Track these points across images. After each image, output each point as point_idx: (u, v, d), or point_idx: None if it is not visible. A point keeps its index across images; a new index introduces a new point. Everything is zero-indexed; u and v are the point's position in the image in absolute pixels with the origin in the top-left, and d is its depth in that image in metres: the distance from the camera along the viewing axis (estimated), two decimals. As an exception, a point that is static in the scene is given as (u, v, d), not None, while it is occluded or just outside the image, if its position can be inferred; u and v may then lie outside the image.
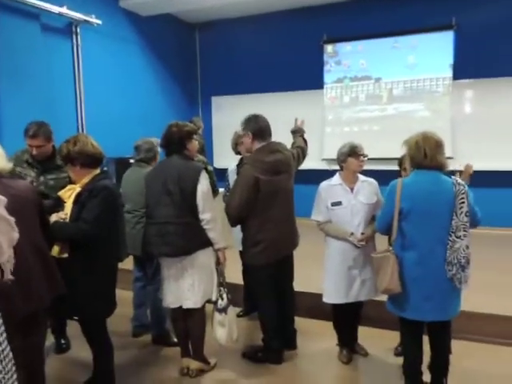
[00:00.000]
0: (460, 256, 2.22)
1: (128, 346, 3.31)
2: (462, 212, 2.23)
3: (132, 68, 6.36)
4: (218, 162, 7.03)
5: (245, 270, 3.60)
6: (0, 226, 1.48)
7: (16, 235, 1.56)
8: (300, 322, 3.34)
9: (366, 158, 2.92)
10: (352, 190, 2.91)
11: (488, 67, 5.94)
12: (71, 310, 2.37)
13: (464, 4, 6.06)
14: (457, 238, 2.23)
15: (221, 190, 3.92)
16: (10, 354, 1.55)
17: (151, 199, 2.80)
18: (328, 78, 6.90)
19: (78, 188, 2.36)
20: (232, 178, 3.49)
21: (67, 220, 2.29)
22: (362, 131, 6.69)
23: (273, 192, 2.84)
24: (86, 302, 2.30)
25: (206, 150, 6.53)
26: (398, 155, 2.98)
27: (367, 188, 2.94)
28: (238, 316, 3.64)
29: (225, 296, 2.84)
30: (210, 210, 2.74)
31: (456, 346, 2.65)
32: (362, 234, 2.86)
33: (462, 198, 2.23)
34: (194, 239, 2.71)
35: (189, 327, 2.89)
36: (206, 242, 2.76)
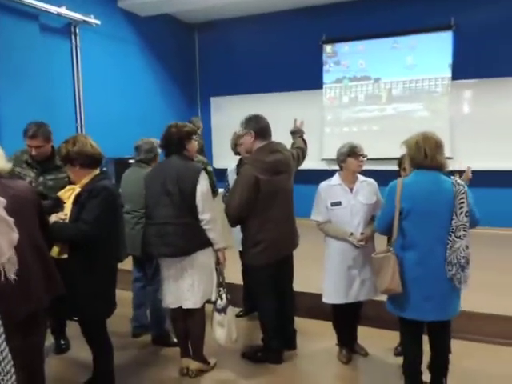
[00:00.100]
0: (460, 256, 2.23)
1: (128, 346, 3.31)
2: (461, 212, 2.23)
3: (131, 68, 6.36)
4: (217, 163, 7.03)
5: (244, 270, 3.60)
6: (-1, 226, 1.48)
7: (16, 236, 1.56)
8: (300, 322, 3.34)
9: (365, 158, 2.92)
10: (351, 190, 2.91)
11: (487, 67, 5.94)
12: (71, 310, 2.37)
13: (463, 4, 6.06)
14: (456, 237, 2.23)
15: (220, 190, 3.91)
16: (9, 355, 1.55)
17: (150, 200, 2.80)
18: (327, 78, 6.90)
19: (77, 188, 2.36)
20: (231, 178, 3.49)
21: (67, 221, 2.29)
22: (361, 131, 6.69)
23: (273, 192, 2.84)
24: (85, 303, 2.30)
25: (205, 150, 6.53)
26: (398, 155, 2.98)
27: (367, 188, 2.94)
28: (238, 316, 3.64)
29: (224, 296, 2.84)
30: (210, 211, 2.74)
31: (456, 345, 2.65)
32: (362, 234, 2.86)
33: (462, 198, 2.24)
34: (194, 240, 2.71)
35: (188, 327, 2.89)
36: (206, 243, 2.76)
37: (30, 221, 1.99)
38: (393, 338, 3.05)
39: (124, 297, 3.20)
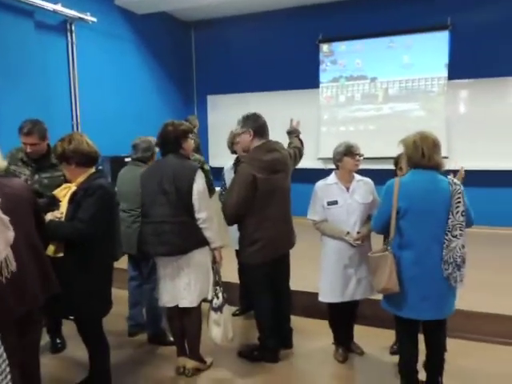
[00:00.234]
0: (456, 255, 2.24)
1: (124, 345, 3.30)
2: (458, 211, 2.24)
3: (127, 66, 6.33)
4: (214, 161, 7.01)
5: (241, 269, 3.60)
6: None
7: (11, 234, 1.55)
8: (296, 321, 3.34)
9: (361, 158, 2.93)
10: (348, 189, 2.92)
11: (483, 67, 5.97)
12: (67, 309, 2.36)
13: (459, 4, 6.08)
14: (453, 237, 2.24)
15: (217, 188, 3.91)
16: (4, 354, 1.54)
17: (147, 198, 2.79)
18: (324, 77, 6.91)
19: (73, 187, 2.35)
20: (228, 176, 3.49)
21: (63, 219, 2.28)
22: (357, 130, 6.71)
23: (270, 191, 2.84)
24: (81, 302, 2.29)
25: (202, 148, 6.52)
26: (394, 154, 2.98)
27: (363, 187, 2.95)
28: (234, 315, 3.64)
29: (220, 295, 2.83)
30: (206, 209, 2.73)
31: (451, 344, 2.66)
32: (358, 233, 2.86)
33: (459, 198, 2.24)
34: (190, 238, 2.71)
35: (185, 326, 2.88)
36: (202, 241, 2.75)
37: (26, 219, 1.98)
38: (389, 336, 3.06)
39: (120, 295, 3.20)
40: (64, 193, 2.35)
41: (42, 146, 2.99)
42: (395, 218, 2.30)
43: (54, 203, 2.38)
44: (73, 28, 5.36)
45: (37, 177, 2.97)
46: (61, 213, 2.29)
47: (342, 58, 6.78)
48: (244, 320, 3.72)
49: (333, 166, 3.03)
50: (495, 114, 6.03)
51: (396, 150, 2.59)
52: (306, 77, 6.86)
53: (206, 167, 3.84)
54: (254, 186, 2.78)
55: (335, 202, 2.89)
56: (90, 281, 2.30)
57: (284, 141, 3.20)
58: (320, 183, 3.00)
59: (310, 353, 3.18)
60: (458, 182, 2.32)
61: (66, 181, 2.48)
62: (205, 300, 2.87)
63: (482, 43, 5.97)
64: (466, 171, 2.81)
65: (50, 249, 2.23)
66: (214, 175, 3.94)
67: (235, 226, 3.03)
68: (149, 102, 6.71)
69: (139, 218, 3.00)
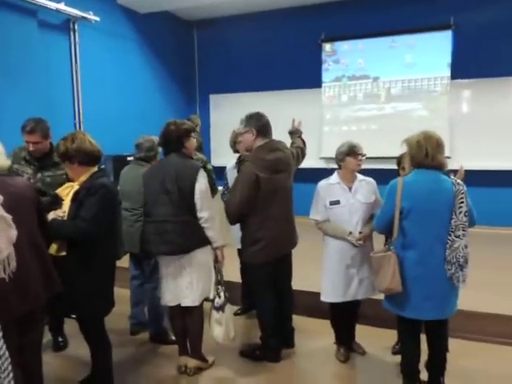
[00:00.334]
0: (459, 255, 2.23)
1: (126, 343, 3.31)
2: (461, 212, 2.24)
3: (130, 65, 6.34)
4: (216, 160, 7.01)
5: (243, 268, 3.60)
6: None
7: (14, 233, 1.55)
8: (298, 321, 3.34)
9: (364, 158, 2.92)
10: (350, 189, 2.91)
11: (486, 67, 5.95)
12: (69, 308, 2.37)
13: (462, 4, 6.06)
14: (456, 237, 2.23)
15: (219, 188, 3.90)
16: (7, 353, 1.55)
17: (149, 197, 2.79)
18: (326, 76, 6.90)
19: (75, 186, 2.35)
20: (230, 175, 3.49)
21: (65, 218, 2.28)
22: (359, 130, 6.69)
23: (273, 190, 2.84)
24: (83, 301, 2.29)
25: (204, 148, 6.52)
26: (396, 154, 2.98)
27: (365, 187, 2.94)
28: (236, 314, 3.65)
29: (222, 294, 2.83)
30: (208, 209, 2.74)
31: (453, 344, 2.65)
32: (360, 233, 2.86)
33: (462, 198, 2.24)
34: (193, 238, 2.71)
35: (187, 325, 2.89)
36: (204, 241, 2.75)
37: (29, 218, 1.99)
38: (391, 336, 3.06)
39: (122, 294, 3.19)
40: (66, 192, 2.36)
41: (45, 145, 3.00)
42: (398, 218, 2.30)
43: (57, 202, 2.39)
44: (76, 27, 5.36)
45: (39, 175, 2.98)
46: (63, 212, 2.30)
47: (344, 58, 6.76)
48: (246, 319, 3.72)
49: (335, 166, 3.02)
50: (498, 114, 6.01)
51: (398, 150, 2.58)
52: (309, 76, 6.85)
53: (209, 166, 3.84)
54: (257, 185, 2.78)
55: (337, 202, 2.89)
56: (92, 280, 2.30)
57: (286, 140, 3.20)
58: (322, 183, 2.99)
59: (312, 352, 3.18)
60: (462, 183, 2.32)
61: (69, 179, 2.49)
62: (207, 299, 2.87)
63: (485, 43, 5.95)
64: (465, 171, 2.80)
65: (53, 248, 2.24)
66: (216, 174, 3.94)
67: (237, 226, 3.03)
68: (151, 101, 6.71)
69: (142, 217, 3.00)
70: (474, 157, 5.83)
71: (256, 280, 3.02)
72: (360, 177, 2.98)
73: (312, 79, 6.84)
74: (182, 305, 2.80)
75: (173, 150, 2.79)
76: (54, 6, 4.91)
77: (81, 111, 5.47)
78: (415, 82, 6.40)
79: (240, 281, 3.74)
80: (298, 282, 3.28)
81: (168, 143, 2.81)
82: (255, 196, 2.79)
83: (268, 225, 2.85)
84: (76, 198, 2.30)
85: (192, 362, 2.90)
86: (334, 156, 2.99)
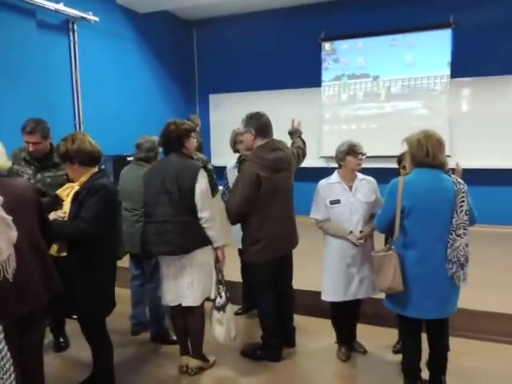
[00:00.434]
0: (460, 254, 2.23)
1: (127, 344, 3.31)
2: (462, 210, 2.23)
3: (129, 65, 6.33)
4: (216, 160, 7.01)
5: (243, 268, 3.60)
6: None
7: (15, 234, 1.55)
8: (299, 320, 3.34)
9: (364, 157, 2.92)
10: (351, 188, 2.91)
11: (486, 65, 5.94)
12: (70, 308, 2.37)
13: (462, 2, 6.06)
14: (457, 236, 2.23)
15: (220, 187, 3.90)
16: (8, 354, 1.55)
17: (149, 198, 2.79)
18: (326, 75, 6.89)
19: (76, 186, 2.35)
20: (230, 175, 3.49)
21: (66, 218, 2.28)
22: (359, 129, 6.69)
23: (273, 190, 2.83)
24: (84, 301, 2.30)
25: (204, 148, 6.52)
26: (397, 153, 2.97)
27: (366, 186, 2.94)
28: (237, 314, 3.64)
29: (223, 294, 2.83)
30: (209, 209, 2.73)
31: (454, 343, 2.65)
32: (361, 232, 2.86)
33: (463, 197, 2.24)
34: (193, 238, 2.71)
35: (188, 325, 2.89)
36: (205, 241, 2.75)
37: (29, 219, 1.98)
38: (391, 335, 3.06)
39: (123, 294, 3.20)
40: (67, 192, 2.36)
41: (45, 145, 3.00)
42: (399, 217, 2.29)
43: (57, 203, 2.39)
44: (75, 27, 5.36)
45: (39, 176, 2.98)
46: (64, 212, 2.30)
47: (344, 57, 6.76)
48: (247, 319, 3.72)
49: (335, 165, 3.02)
50: (498, 113, 6.01)
51: (399, 149, 2.58)
52: (308, 75, 6.84)
53: (210, 166, 3.84)
54: (258, 184, 2.78)
55: (338, 201, 2.89)
56: (93, 280, 2.30)
57: (286, 140, 3.20)
58: (323, 182, 2.99)
59: (313, 352, 3.18)
60: (462, 182, 2.32)
61: (69, 180, 2.49)
62: (208, 299, 2.87)
63: (485, 41, 5.95)
64: (464, 169, 2.79)
65: (53, 248, 2.24)
66: (217, 174, 3.94)
67: (238, 225, 3.03)
68: (151, 101, 6.71)
69: (142, 217, 3.00)
70: (474, 155, 5.84)
71: (257, 280, 3.02)
72: (360, 176, 2.98)
73: (312, 78, 6.84)
74: (183, 305, 2.80)
75: (173, 149, 2.79)
76: (52, 6, 4.91)
77: (80, 111, 5.46)
78: (415, 80, 6.39)
79: (241, 280, 3.75)
80: (299, 282, 3.28)
81: (168, 143, 2.81)
82: (256, 195, 2.79)
83: (269, 225, 2.85)
84: (76, 198, 2.30)
85: (193, 362, 2.90)
86: (334, 155, 2.99)
